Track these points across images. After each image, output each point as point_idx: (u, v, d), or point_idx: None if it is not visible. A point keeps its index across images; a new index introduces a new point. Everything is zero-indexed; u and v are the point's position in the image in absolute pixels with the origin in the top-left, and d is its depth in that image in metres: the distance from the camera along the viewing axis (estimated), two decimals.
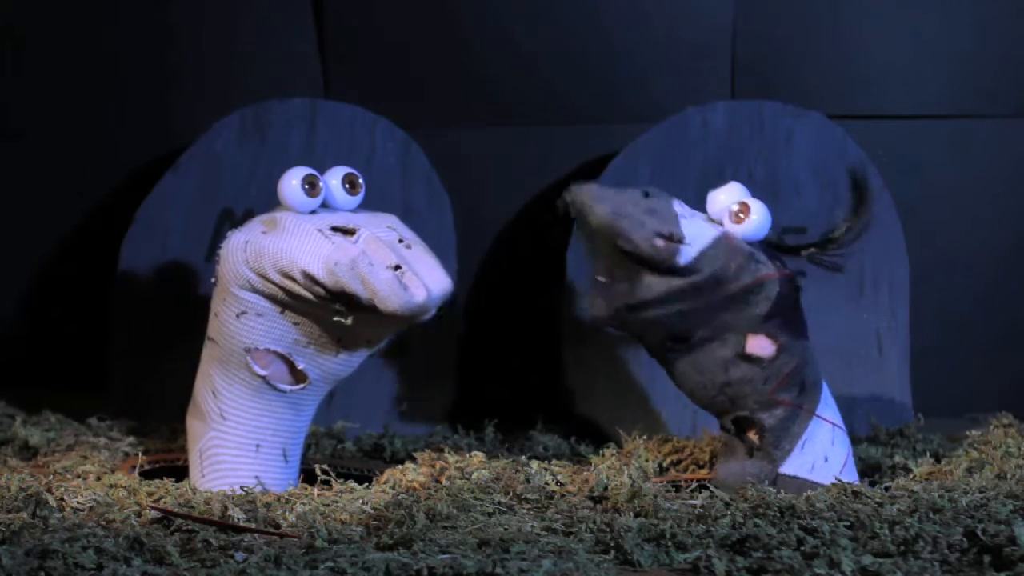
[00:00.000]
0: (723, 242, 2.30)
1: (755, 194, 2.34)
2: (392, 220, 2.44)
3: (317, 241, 2.36)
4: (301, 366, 2.42)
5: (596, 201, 2.29)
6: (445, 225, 2.96)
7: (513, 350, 3.11)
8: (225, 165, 2.97)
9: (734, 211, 2.34)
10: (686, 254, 2.28)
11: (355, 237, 2.37)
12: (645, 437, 2.66)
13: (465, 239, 3.00)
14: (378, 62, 3.08)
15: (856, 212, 2.40)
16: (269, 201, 2.69)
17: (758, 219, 2.34)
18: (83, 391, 3.03)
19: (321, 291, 2.34)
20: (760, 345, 2.34)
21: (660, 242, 2.27)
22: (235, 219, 2.93)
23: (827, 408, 2.39)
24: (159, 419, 2.83)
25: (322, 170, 2.42)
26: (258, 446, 2.44)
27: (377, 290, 2.33)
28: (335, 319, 2.37)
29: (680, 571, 2.06)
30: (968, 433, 2.65)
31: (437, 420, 2.89)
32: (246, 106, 2.99)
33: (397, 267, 2.34)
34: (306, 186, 2.41)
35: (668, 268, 2.28)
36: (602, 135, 3.07)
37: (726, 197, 2.36)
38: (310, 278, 2.34)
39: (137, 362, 2.93)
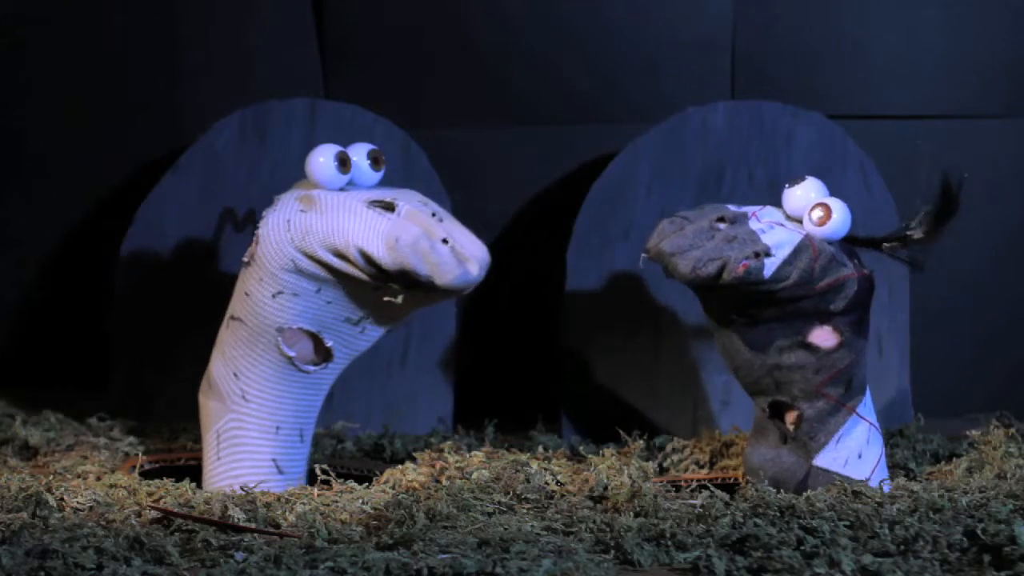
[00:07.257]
0: (806, 247, 2.31)
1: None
2: (417, 194, 2.43)
3: (370, 218, 2.35)
4: (330, 343, 2.42)
5: (675, 256, 2.28)
6: None
7: (513, 350, 3.11)
8: (225, 165, 2.96)
9: (816, 216, 2.33)
10: (770, 266, 2.28)
11: (396, 211, 2.36)
12: (645, 437, 2.66)
13: None
14: (378, 62, 3.08)
15: (940, 214, 2.38)
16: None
17: (839, 220, 2.33)
18: (83, 391, 3.02)
19: (374, 270, 2.33)
20: (824, 336, 2.34)
21: (744, 265, 2.26)
22: (236, 219, 2.93)
23: (866, 408, 2.39)
24: (159, 419, 2.84)
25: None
26: (278, 428, 2.44)
27: (438, 266, 2.32)
28: (385, 299, 2.36)
29: (680, 571, 2.06)
30: (968, 433, 2.65)
31: (437, 420, 2.89)
32: (246, 106, 2.99)
33: (445, 240, 2.34)
34: (338, 163, 2.41)
35: (757, 281, 2.28)
36: (602, 135, 3.06)
37: (803, 193, 2.35)
38: (367, 257, 2.33)
39: (137, 362, 2.93)
